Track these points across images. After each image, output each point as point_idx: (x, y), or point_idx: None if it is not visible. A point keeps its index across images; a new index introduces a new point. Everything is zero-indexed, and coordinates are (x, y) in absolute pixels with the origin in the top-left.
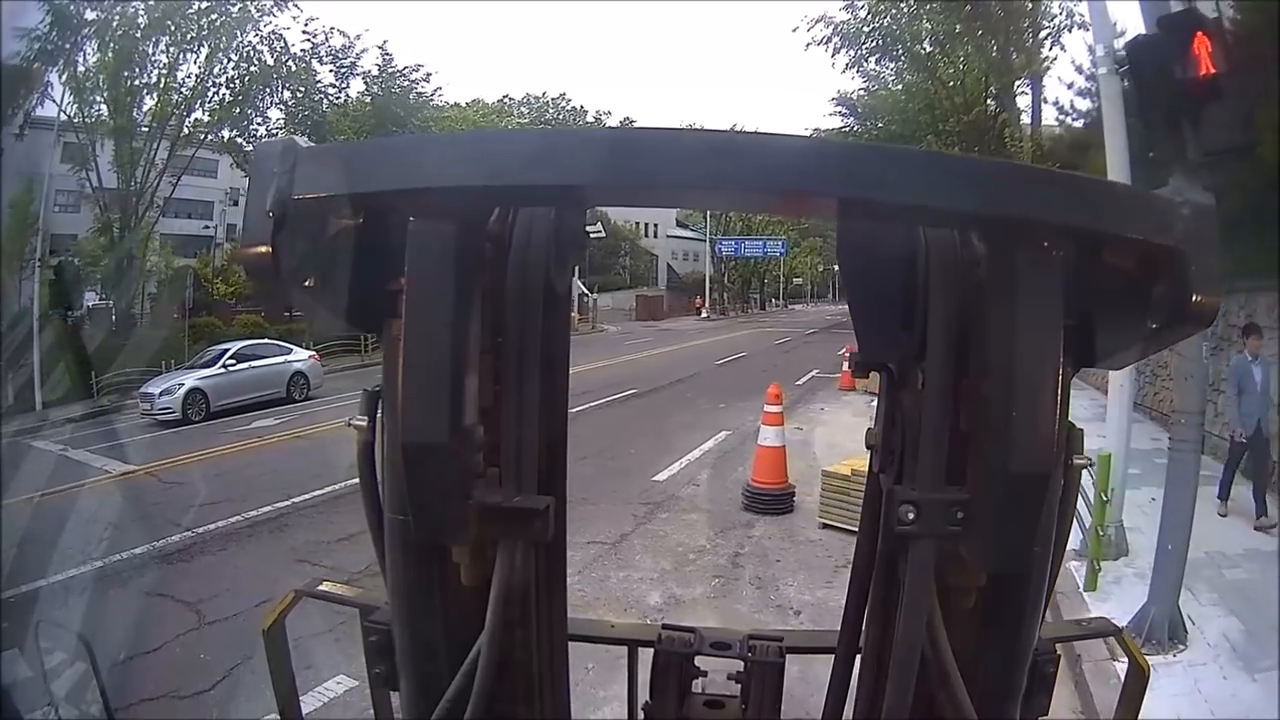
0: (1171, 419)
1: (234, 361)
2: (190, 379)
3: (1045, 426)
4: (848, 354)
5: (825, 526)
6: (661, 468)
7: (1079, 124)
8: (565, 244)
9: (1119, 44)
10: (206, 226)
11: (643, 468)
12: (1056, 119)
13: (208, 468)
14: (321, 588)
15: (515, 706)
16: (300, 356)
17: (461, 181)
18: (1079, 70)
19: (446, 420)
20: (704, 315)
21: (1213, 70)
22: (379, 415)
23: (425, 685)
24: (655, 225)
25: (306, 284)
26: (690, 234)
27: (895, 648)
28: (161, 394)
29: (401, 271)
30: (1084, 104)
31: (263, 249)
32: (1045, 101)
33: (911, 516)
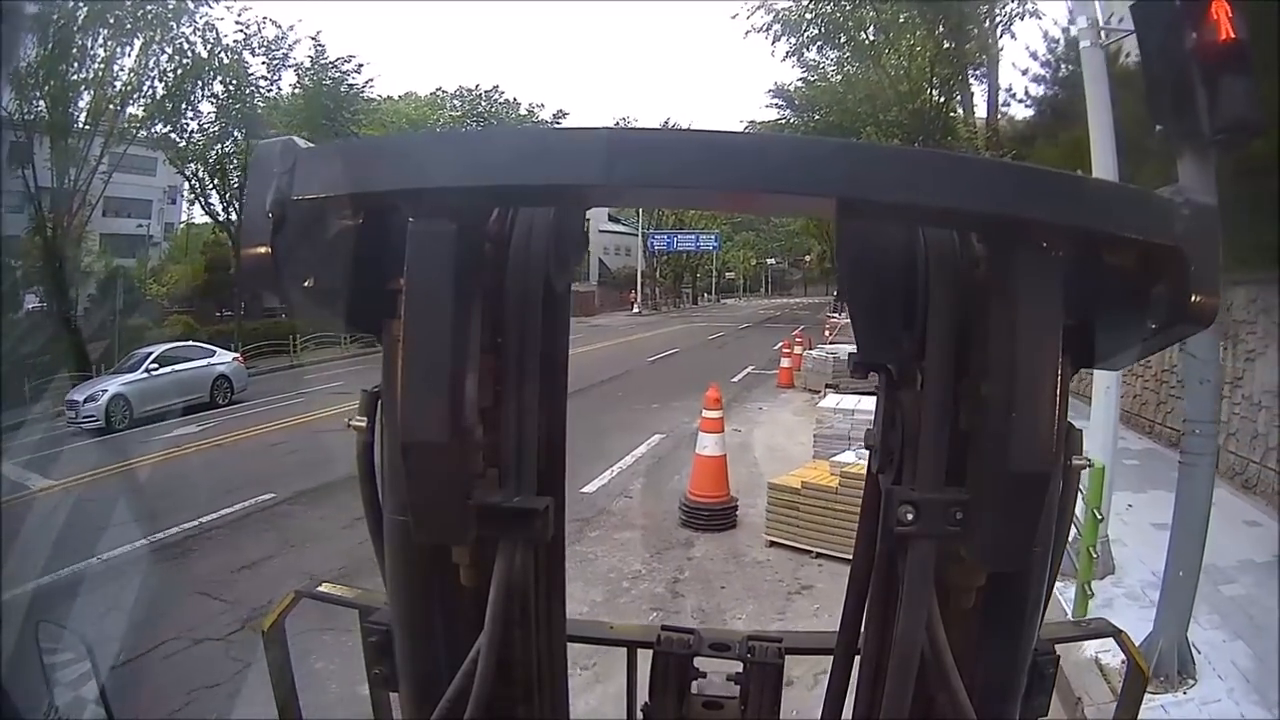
0: (1184, 427)
1: (157, 365)
2: (114, 385)
3: (1045, 427)
4: (785, 348)
5: (773, 544)
6: (590, 478)
7: (1030, 111)
8: (565, 244)
9: (1110, 15)
10: (140, 225)
11: (570, 478)
12: (1001, 107)
13: (124, 482)
14: (321, 588)
15: (515, 707)
16: (223, 359)
17: (461, 181)
18: (1034, 56)
19: (446, 420)
20: (636, 310)
21: (1232, 36)
22: (378, 416)
23: (425, 685)
24: (587, 220)
25: (306, 284)
26: (623, 228)
27: (894, 648)
28: (86, 401)
29: (401, 272)
30: (1038, 90)
31: (262, 249)
32: (1002, 89)
33: (911, 517)
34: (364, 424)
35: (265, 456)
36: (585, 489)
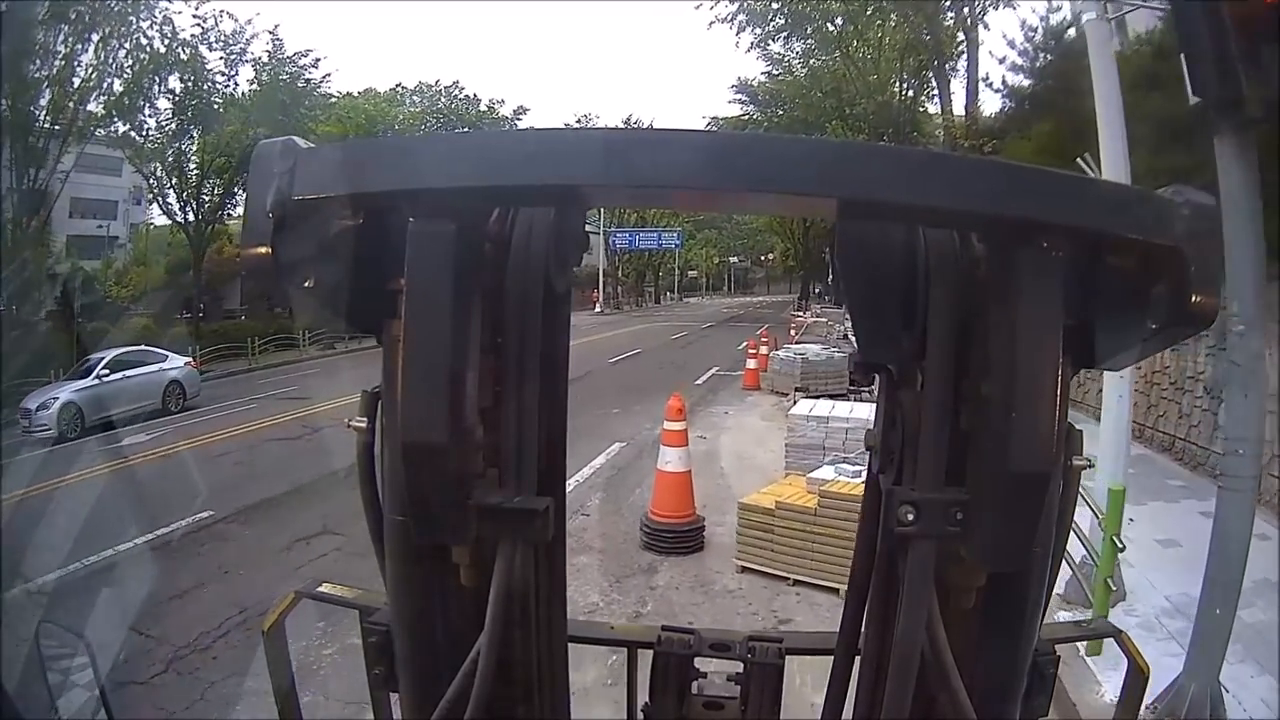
0: (1224, 446)
1: (108, 371)
2: (65, 392)
3: (1045, 427)
4: (750, 348)
5: (745, 570)
6: None
7: (1008, 103)
8: (565, 244)
9: None
10: (100, 226)
11: None
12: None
13: (62, 498)
14: (321, 589)
15: (515, 707)
16: (175, 364)
17: (462, 182)
18: (1011, 45)
19: (446, 420)
20: (599, 310)
21: None
22: (379, 416)
23: (425, 686)
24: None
25: (306, 284)
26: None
27: (895, 648)
28: (38, 409)
29: (401, 272)
30: (1016, 79)
31: (263, 249)
32: (980, 81)
33: (911, 517)
34: (364, 424)
35: (208, 468)
36: None
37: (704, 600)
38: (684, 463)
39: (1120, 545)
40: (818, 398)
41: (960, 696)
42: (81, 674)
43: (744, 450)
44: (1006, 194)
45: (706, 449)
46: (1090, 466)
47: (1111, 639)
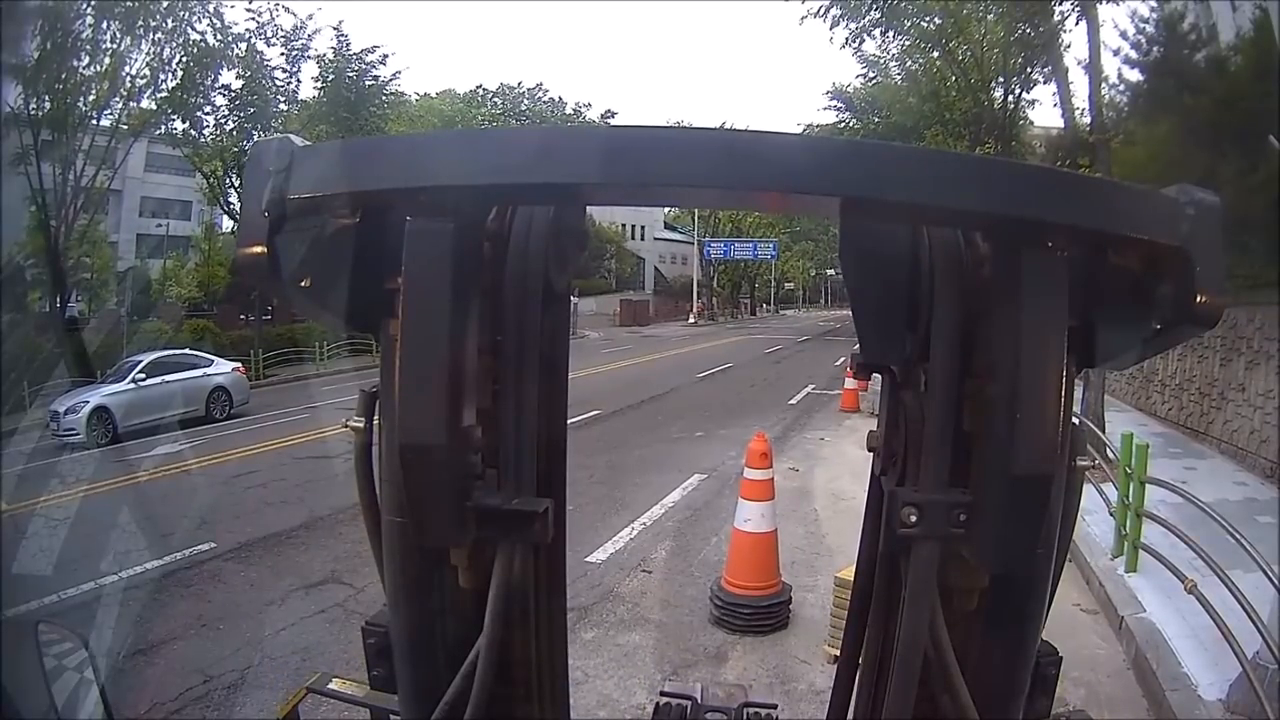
0: None
1: (145, 375)
2: (96, 396)
3: (1049, 428)
4: (852, 369)
5: (836, 660)
6: (602, 539)
7: (1124, 98)
8: (564, 243)
9: None
10: (159, 225)
11: (577, 539)
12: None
13: (70, 512)
14: (331, 685)
15: (514, 708)
16: (222, 369)
17: (460, 180)
18: (1124, 36)
19: (445, 421)
20: (692, 321)
21: None
22: (376, 417)
23: (424, 688)
24: (642, 227)
25: (303, 284)
26: (678, 236)
27: (897, 649)
28: (66, 413)
29: (399, 271)
30: (1134, 75)
31: (258, 249)
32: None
33: (914, 518)
34: (361, 425)
35: (227, 489)
36: (592, 556)
37: (785, 703)
38: (768, 521)
39: None
40: None
41: (963, 698)
42: (81, 674)
43: (841, 488)
44: (1011, 193)
45: (799, 485)
46: (1093, 466)
47: None
